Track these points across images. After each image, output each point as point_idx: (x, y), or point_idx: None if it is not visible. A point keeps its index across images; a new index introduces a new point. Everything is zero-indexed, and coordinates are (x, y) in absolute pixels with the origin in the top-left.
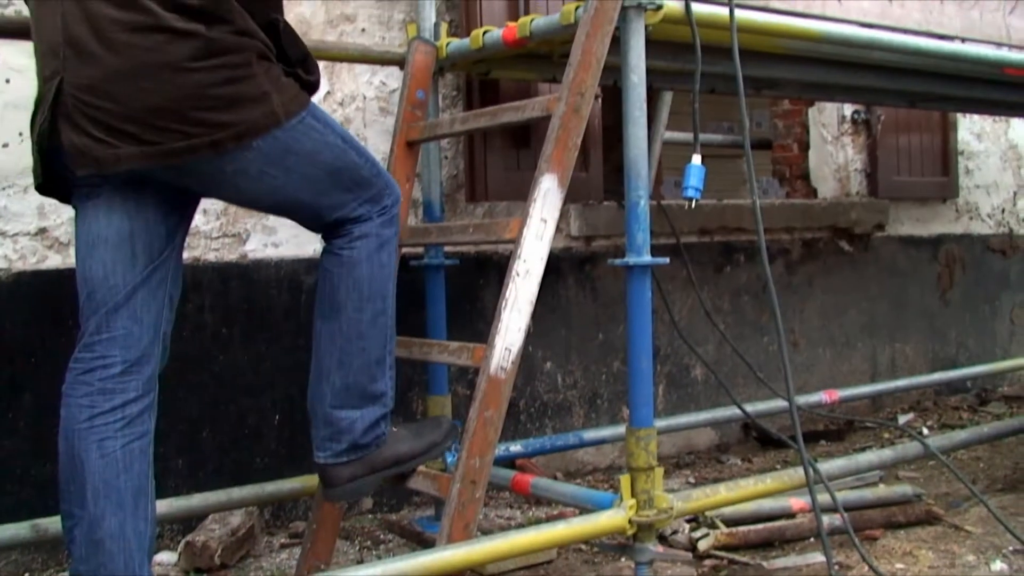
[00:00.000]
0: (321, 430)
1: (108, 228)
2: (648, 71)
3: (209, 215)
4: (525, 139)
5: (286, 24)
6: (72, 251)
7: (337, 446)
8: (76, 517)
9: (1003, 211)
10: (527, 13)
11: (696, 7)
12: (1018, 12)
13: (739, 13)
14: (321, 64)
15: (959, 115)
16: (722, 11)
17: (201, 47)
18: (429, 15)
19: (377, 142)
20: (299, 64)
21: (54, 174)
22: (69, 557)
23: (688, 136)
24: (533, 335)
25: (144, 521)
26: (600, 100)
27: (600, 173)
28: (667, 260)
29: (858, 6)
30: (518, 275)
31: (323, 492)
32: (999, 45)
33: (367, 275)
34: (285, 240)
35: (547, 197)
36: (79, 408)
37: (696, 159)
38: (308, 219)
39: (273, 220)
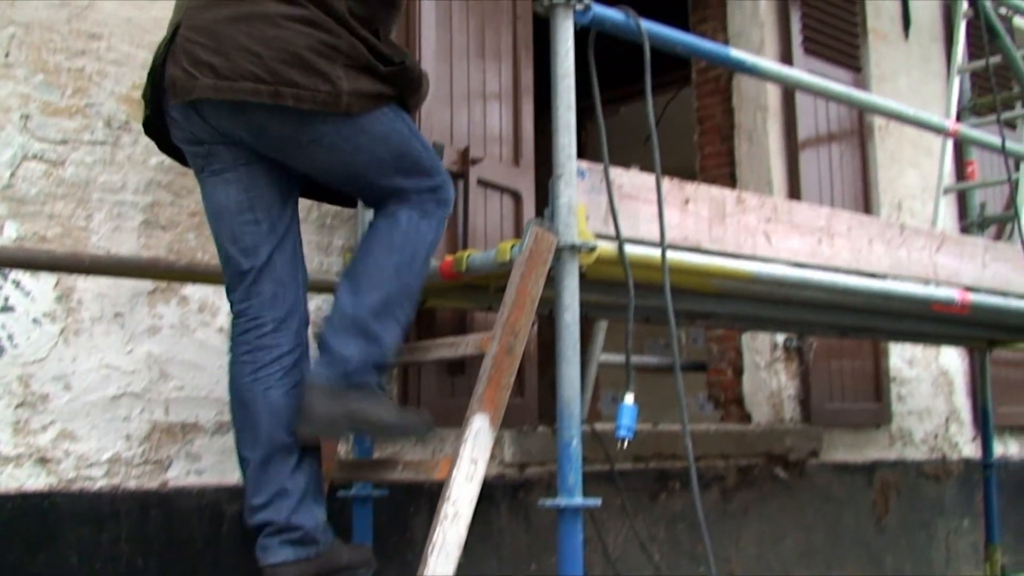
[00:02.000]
0: (322, 355)
1: (227, 199)
2: (584, 303)
3: (132, 440)
4: (460, 366)
5: (387, 36)
6: None
7: (330, 371)
8: (249, 459)
9: (936, 436)
10: (465, 245)
11: (629, 249)
12: (945, 250)
13: (671, 255)
14: None
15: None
16: (654, 253)
17: (298, 14)
18: None
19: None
20: (390, 69)
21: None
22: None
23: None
24: (463, 566)
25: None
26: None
27: (535, 397)
28: (599, 502)
29: (788, 246)
30: (446, 518)
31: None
32: (927, 282)
33: (403, 230)
34: (209, 467)
35: (478, 437)
36: (243, 364)
37: (629, 398)
38: (368, 195)
39: (198, 446)
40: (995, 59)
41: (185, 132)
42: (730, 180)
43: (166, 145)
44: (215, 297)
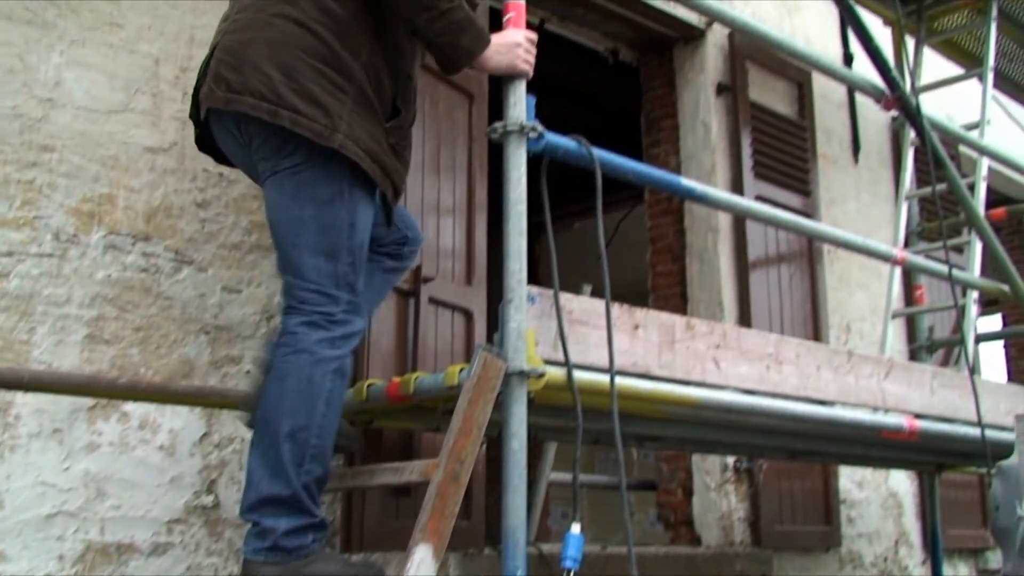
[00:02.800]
0: (251, 526)
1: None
2: (533, 426)
3: (65, 561)
4: (406, 488)
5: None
6: None
7: (261, 543)
8: None
9: (885, 559)
10: (415, 364)
11: (578, 375)
12: (892, 377)
13: (620, 381)
14: (199, 409)
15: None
16: (603, 378)
17: (319, 50)
18: None
19: None
20: (391, 123)
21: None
22: None
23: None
24: None
25: None
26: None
27: (482, 519)
28: None
29: (737, 372)
30: None
31: None
32: (875, 409)
33: (292, 387)
34: None
35: (420, 568)
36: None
37: (575, 528)
38: (281, 261)
39: (132, 567)
40: (941, 186)
41: (223, 141)
42: (681, 299)
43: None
44: (156, 414)
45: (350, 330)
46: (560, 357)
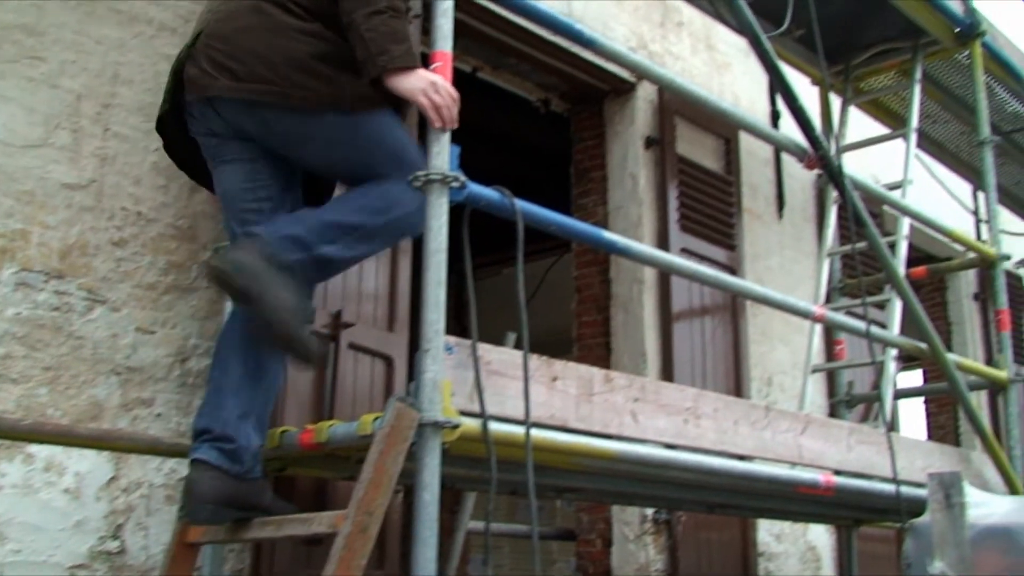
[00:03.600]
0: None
1: (234, 185)
2: (450, 476)
3: None
4: (316, 538)
5: None
6: None
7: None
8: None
9: None
10: (332, 412)
11: (494, 426)
12: (810, 432)
13: (537, 433)
14: (107, 452)
15: None
16: (519, 431)
17: (308, 27)
18: None
19: (159, 532)
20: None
21: (184, 142)
22: None
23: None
24: None
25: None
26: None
27: (396, 568)
28: None
29: (655, 425)
30: None
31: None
32: (792, 464)
33: (386, 187)
34: None
35: None
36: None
37: None
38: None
39: None
40: (861, 245)
41: (201, 125)
42: (606, 350)
43: (172, 147)
44: (62, 456)
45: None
46: (477, 408)
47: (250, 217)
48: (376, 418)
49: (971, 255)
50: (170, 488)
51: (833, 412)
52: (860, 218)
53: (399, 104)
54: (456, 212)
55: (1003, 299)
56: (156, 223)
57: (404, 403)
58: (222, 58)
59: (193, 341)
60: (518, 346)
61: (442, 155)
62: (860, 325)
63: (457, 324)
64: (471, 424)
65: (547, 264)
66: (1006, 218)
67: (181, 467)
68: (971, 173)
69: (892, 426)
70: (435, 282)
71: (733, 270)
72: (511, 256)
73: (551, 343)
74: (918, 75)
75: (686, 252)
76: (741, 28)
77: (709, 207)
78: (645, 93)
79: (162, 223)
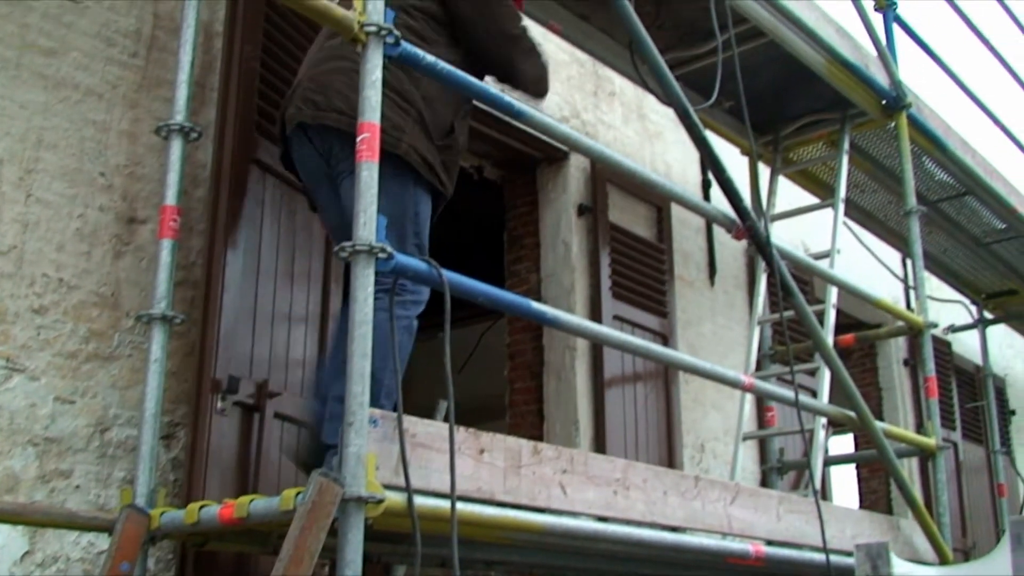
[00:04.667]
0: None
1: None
2: (375, 551)
3: None
4: None
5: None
6: None
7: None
8: None
9: None
10: (257, 484)
11: (420, 500)
12: (739, 502)
13: (463, 507)
14: (21, 527)
15: None
16: (445, 504)
17: (388, 79)
18: (147, 480)
19: None
20: (443, 141)
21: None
22: None
23: None
24: None
25: None
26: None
27: None
28: None
29: (584, 497)
30: None
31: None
32: (723, 535)
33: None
34: None
35: None
36: None
37: None
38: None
39: None
40: (789, 314)
41: (297, 155)
42: (538, 417)
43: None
44: None
45: (418, 298)
46: (402, 482)
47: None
48: (298, 493)
49: (899, 323)
50: (88, 563)
51: (765, 479)
52: (787, 288)
53: (443, 180)
54: None
55: (930, 366)
56: (78, 290)
57: (327, 478)
58: (310, 94)
59: (114, 411)
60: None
61: (369, 225)
62: (789, 394)
63: None
64: (396, 498)
65: (482, 329)
66: (935, 285)
67: (99, 540)
68: (899, 241)
69: (823, 493)
70: (360, 354)
71: (665, 337)
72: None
73: (486, 408)
74: (846, 146)
75: (618, 319)
76: (669, 101)
77: (641, 274)
78: (578, 161)
79: (84, 290)
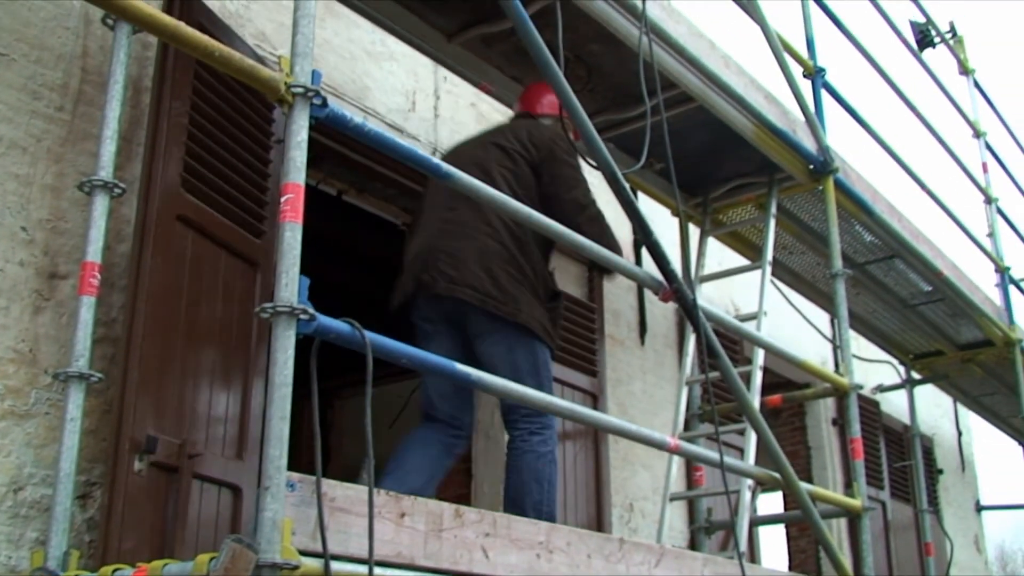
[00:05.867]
0: None
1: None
2: None
3: None
4: None
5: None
6: None
7: None
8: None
9: None
10: (174, 548)
11: (337, 567)
12: (663, 565)
13: (380, 572)
14: None
15: None
16: (361, 570)
17: (506, 255)
18: (60, 542)
19: None
20: (551, 305)
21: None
22: None
23: None
24: None
25: None
26: None
27: None
28: None
29: (506, 561)
30: None
31: None
32: None
33: (527, 476)
34: None
35: None
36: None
37: None
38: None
39: None
40: (715, 375)
41: (424, 313)
42: (466, 475)
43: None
44: None
45: (553, 432)
46: (319, 548)
47: (445, 390)
48: (212, 558)
49: (826, 384)
50: None
51: (694, 539)
52: (713, 350)
53: (551, 332)
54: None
55: (856, 428)
56: None
57: (240, 544)
58: (445, 268)
59: (28, 470)
60: (381, 473)
61: (290, 286)
62: (714, 455)
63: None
64: (312, 564)
65: (413, 386)
66: (864, 345)
67: None
68: (828, 303)
69: (752, 554)
70: (279, 416)
71: (595, 396)
72: (379, 375)
73: None
74: (773, 209)
75: None
76: (597, 164)
77: (572, 333)
78: None
79: (1, 346)
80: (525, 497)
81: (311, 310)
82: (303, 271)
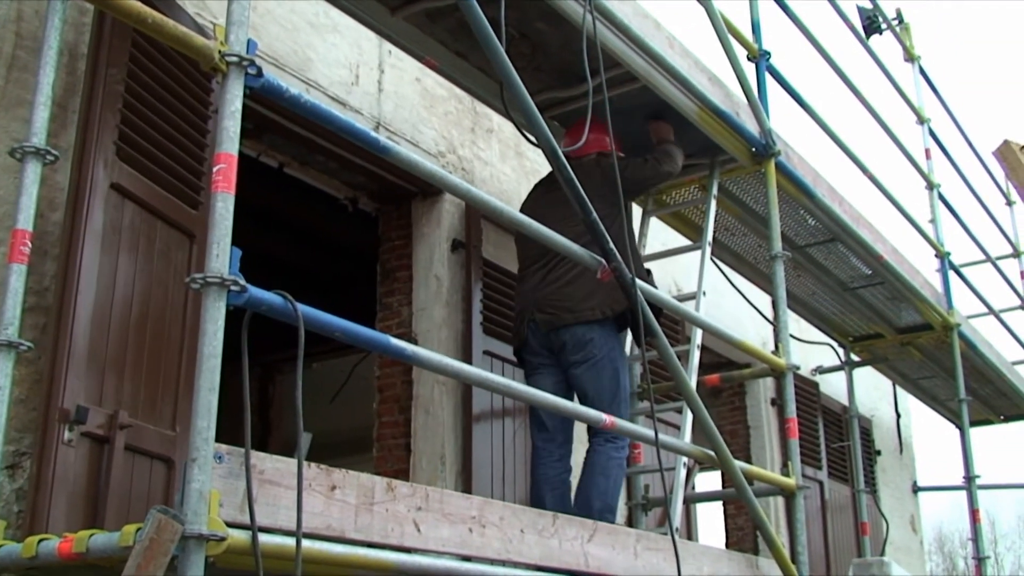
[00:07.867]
0: None
1: (543, 388)
2: None
3: None
4: None
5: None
6: None
7: None
8: None
9: None
10: (104, 520)
11: (265, 539)
12: (596, 540)
13: (311, 545)
14: None
15: None
16: (289, 542)
17: (591, 289)
18: None
19: None
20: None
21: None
22: None
23: None
24: None
25: None
26: None
27: None
28: None
29: (438, 535)
30: None
31: None
32: (579, 573)
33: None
34: None
35: None
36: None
37: None
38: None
39: None
40: (652, 354)
41: (534, 347)
42: (406, 451)
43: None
44: None
45: (626, 442)
46: (247, 520)
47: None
48: (138, 528)
49: (764, 364)
50: None
51: (631, 515)
52: (650, 328)
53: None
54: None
55: (792, 408)
56: None
57: (166, 515)
58: (548, 307)
59: None
60: (321, 447)
61: (221, 257)
62: (649, 433)
63: (260, 419)
64: (239, 536)
65: (355, 360)
66: (804, 327)
67: None
68: (769, 284)
69: (688, 531)
70: (207, 388)
71: None
72: (321, 350)
73: (359, 440)
74: (714, 190)
75: (489, 355)
76: (539, 142)
77: (510, 310)
78: (453, 196)
79: None
80: (592, 488)
81: (242, 281)
82: (241, 243)
